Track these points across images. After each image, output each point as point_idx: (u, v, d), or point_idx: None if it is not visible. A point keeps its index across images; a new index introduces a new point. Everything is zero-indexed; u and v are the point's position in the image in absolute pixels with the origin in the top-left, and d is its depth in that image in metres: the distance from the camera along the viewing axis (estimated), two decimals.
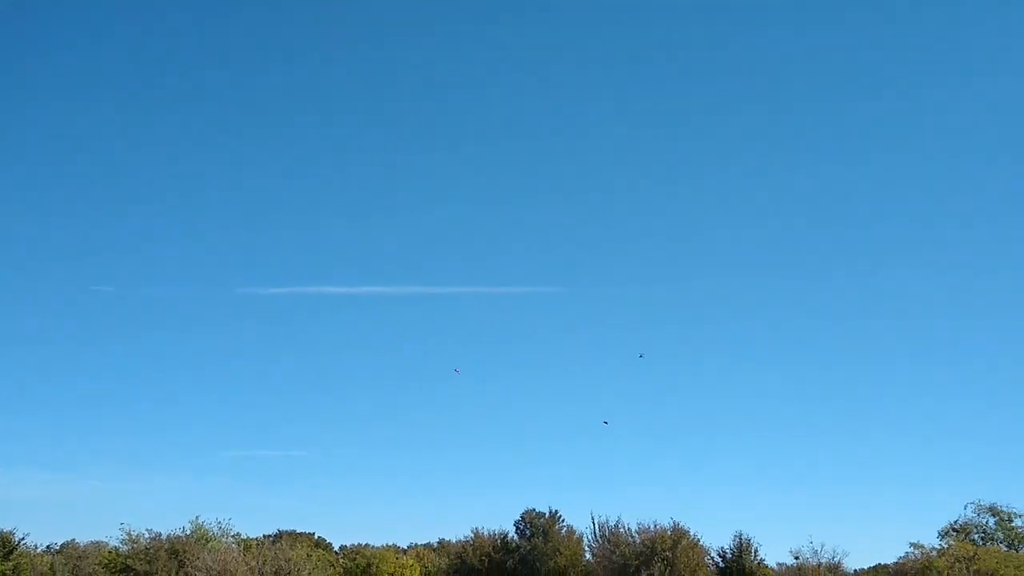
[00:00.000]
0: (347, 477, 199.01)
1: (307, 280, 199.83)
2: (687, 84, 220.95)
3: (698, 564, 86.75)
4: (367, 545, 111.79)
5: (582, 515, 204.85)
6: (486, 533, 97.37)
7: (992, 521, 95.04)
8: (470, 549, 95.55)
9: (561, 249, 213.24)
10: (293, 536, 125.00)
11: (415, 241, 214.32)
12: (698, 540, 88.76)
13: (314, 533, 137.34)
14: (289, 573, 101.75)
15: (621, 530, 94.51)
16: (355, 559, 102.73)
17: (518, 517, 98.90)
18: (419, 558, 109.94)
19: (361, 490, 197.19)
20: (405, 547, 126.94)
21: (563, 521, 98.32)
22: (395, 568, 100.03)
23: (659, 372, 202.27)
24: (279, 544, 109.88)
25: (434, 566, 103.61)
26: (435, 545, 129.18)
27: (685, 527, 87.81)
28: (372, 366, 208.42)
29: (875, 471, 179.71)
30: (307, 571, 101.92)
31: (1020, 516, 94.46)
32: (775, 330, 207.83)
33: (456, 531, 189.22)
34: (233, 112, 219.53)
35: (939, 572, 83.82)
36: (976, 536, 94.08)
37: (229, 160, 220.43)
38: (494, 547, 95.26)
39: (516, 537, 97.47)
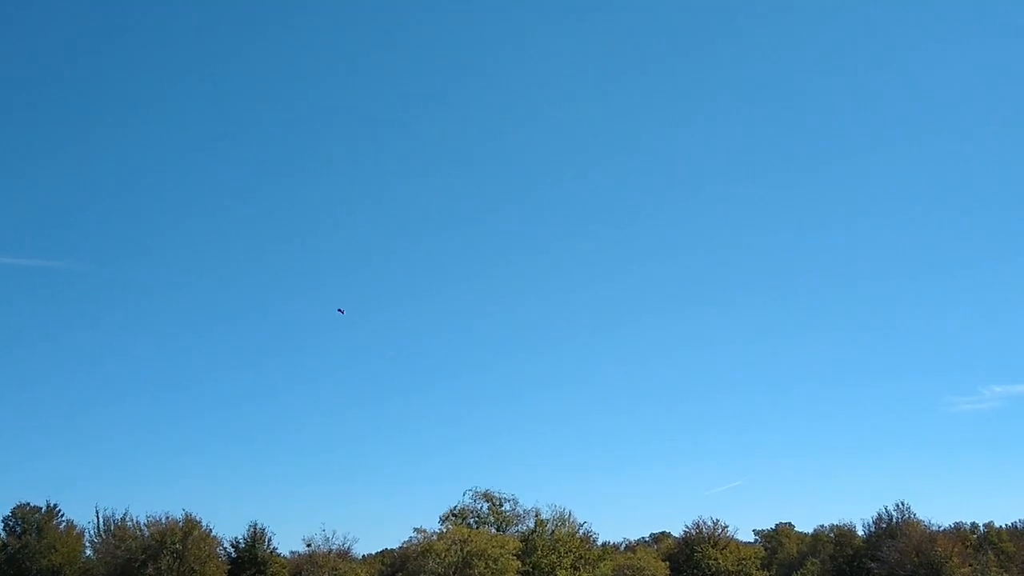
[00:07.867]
0: None
1: None
2: None
3: (209, 555, 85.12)
4: None
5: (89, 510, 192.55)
6: None
7: (486, 506, 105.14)
8: None
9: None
10: None
11: None
12: (211, 531, 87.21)
13: None
14: None
15: (129, 523, 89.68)
16: None
17: (8, 513, 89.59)
18: None
19: None
20: None
21: (62, 516, 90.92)
22: None
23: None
24: None
25: None
26: None
27: (198, 518, 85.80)
28: None
29: (386, 465, 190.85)
30: None
31: (508, 501, 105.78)
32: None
33: None
34: None
35: (438, 554, 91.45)
36: (472, 520, 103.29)
37: None
38: None
39: (4, 535, 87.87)
